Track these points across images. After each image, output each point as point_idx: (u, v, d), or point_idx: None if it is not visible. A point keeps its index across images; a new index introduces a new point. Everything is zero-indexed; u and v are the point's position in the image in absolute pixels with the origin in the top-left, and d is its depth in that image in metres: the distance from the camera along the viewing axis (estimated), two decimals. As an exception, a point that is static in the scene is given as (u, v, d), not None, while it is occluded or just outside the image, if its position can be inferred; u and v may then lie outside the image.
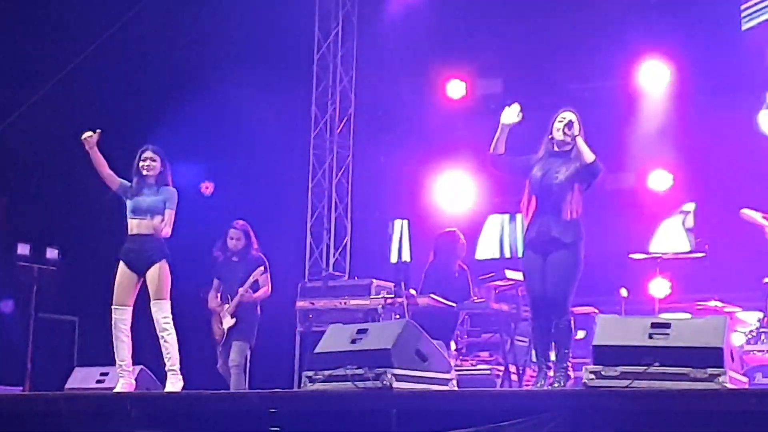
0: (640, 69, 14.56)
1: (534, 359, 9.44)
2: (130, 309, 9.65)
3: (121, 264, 9.69)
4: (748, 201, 11.61)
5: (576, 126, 8.66)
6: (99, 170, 9.75)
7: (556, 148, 8.75)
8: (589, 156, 8.58)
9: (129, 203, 9.70)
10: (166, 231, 9.66)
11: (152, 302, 9.55)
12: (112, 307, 9.64)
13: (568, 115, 8.74)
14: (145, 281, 9.63)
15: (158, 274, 9.56)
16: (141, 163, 9.74)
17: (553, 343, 8.61)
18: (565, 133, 8.63)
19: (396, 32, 15.39)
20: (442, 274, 11.65)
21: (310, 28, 16.16)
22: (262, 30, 14.78)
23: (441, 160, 15.60)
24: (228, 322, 11.26)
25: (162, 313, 9.51)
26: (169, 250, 9.68)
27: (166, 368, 9.53)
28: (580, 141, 8.61)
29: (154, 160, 9.74)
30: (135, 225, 9.68)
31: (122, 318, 9.60)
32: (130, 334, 9.61)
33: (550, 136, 8.77)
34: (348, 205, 16.16)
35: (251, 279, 11.26)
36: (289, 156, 15.64)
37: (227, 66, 14.75)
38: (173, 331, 9.56)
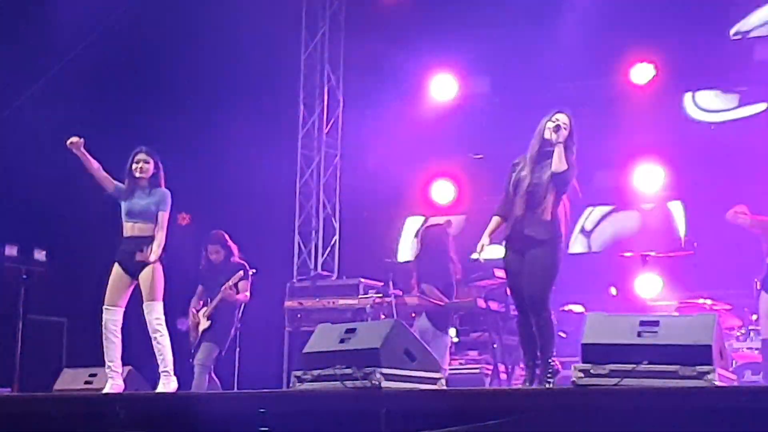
0: (627, 67, 14.58)
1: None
2: (121, 310, 9.60)
3: (116, 265, 9.65)
4: (737, 199, 11.63)
5: (563, 132, 8.62)
6: (92, 173, 9.71)
7: (545, 147, 8.72)
8: (559, 166, 8.51)
9: (123, 205, 9.68)
10: (160, 235, 9.62)
11: (145, 304, 9.51)
12: (103, 307, 9.61)
13: (561, 118, 8.68)
14: (138, 283, 9.59)
15: (151, 276, 9.51)
16: (134, 165, 9.69)
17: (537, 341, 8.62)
18: (551, 135, 8.60)
19: (383, 31, 15.38)
20: (433, 267, 11.58)
21: (297, 27, 16.15)
22: (248, 29, 14.75)
23: (429, 159, 15.60)
24: (203, 324, 11.27)
25: (154, 315, 9.47)
26: (163, 251, 9.65)
27: (160, 370, 9.51)
28: (558, 149, 8.54)
29: (147, 162, 9.69)
30: (129, 228, 9.65)
31: (112, 318, 9.55)
32: (119, 335, 9.56)
33: (539, 135, 8.73)
34: (336, 205, 16.15)
35: (231, 282, 11.25)
36: (277, 156, 15.61)
37: (214, 65, 14.73)
38: (166, 332, 9.52)
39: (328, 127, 16.25)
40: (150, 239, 9.56)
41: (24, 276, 13.86)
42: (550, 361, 8.45)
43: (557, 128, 8.59)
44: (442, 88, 15.85)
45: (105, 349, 9.56)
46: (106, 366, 9.55)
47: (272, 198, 15.48)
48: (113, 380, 9.49)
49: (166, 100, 14.09)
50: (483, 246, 8.76)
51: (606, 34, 14.10)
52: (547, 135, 8.64)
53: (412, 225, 15.79)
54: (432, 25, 15.11)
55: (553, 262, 8.55)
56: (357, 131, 15.93)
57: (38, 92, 13.85)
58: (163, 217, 9.63)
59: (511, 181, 8.74)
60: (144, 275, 9.52)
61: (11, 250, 14.11)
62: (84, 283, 13.41)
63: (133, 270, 9.57)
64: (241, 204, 14.41)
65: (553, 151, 8.56)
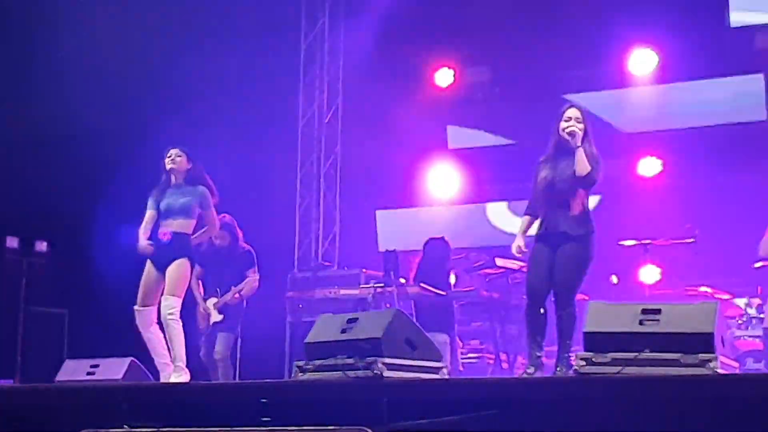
0: (628, 56, 14.57)
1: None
2: (152, 308, 9.55)
3: (147, 263, 9.62)
4: (737, 186, 11.64)
5: (578, 135, 8.60)
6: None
7: (563, 145, 8.67)
8: (582, 169, 8.51)
9: (162, 205, 9.66)
10: (214, 231, 9.91)
11: (163, 296, 9.48)
12: (134, 308, 9.61)
13: (573, 114, 8.67)
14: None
15: (175, 270, 9.49)
16: (167, 159, 9.73)
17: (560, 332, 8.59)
18: (568, 137, 8.59)
19: (384, 21, 15.36)
20: (432, 278, 11.69)
21: (297, 17, 16.14)
22: (248, 20, 14.74)
23: (429, 149, 15.60)
24: (215, 316, 11.24)
25: (168, 309, 9.39)
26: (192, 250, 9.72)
27: (165, 361, 9.51)
28: (579, 153, 8.53)
29: (179, 156, 9.73)
30: (168, 226, 9.62)
31: (142, 321, 9.57)
32: (159, 330, 9.53)
33: (556, 134, 8.70)
34: (336, 195, 16.14)
35: (243, 284, 11.25)
36: (278, 146, 15.61)
37: (213, 55, 14.70)
38: (177, 326, 9.41)
39: (328, 116, 16.25)
40: (181, 235, 9.58)
41: (25, 267, 13.88)
42: (567, 354, 8.40)
43: (572, 134, 8.57)
44: (442, 77, 15.85)
45: (149, 346, 9.60)
46: (156, 362, 9.59)
47: (273, 188, 15.48)
48: (167, 371, 9.51)
49: (165, 91, 14.07)
50: (519, 247, 8.81)
51: (606, 23, 14.08)
52: (564, 135, 8.62)
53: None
54: (432, 14, 15.10)
55: (586, 257, 8.61)
56: (357, 121, 15.92)
57: (38, 84, 13.83)
58: (211, 215, 9.73)
59: (538, 179, 8.76)
60: (169, 269, 9.49)
61: (12, 242, 14.13)
62: (85, 275, 13.44)
63: (162, 265, 9.54)
64: (242, 194, 14.38)
65: (573, 150, 8.56)
